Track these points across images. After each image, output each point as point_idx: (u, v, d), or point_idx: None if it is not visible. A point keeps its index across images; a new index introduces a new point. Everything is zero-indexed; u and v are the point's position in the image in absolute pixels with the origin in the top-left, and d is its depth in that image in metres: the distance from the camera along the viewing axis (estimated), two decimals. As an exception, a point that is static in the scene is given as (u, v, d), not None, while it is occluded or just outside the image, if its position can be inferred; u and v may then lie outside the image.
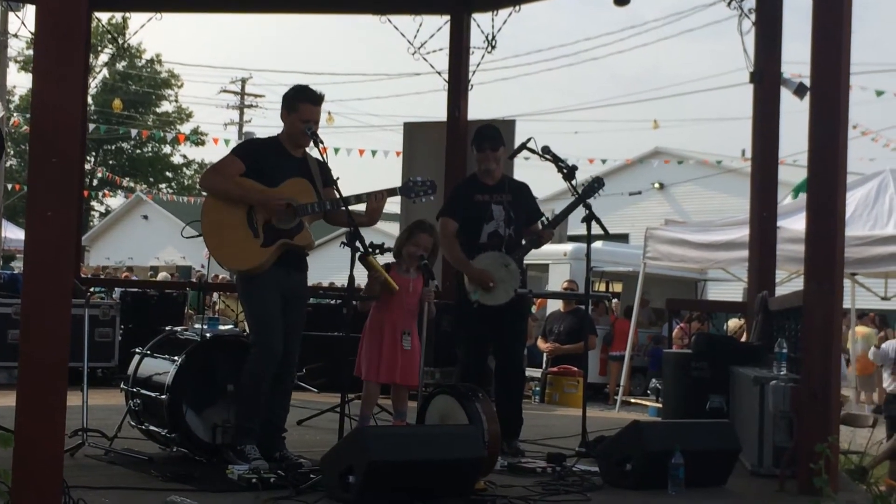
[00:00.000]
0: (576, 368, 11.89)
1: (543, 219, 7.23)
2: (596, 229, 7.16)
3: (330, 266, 26.44)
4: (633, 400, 14.62)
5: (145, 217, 49.28)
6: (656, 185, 34.92)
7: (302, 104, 6.25)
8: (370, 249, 6.15)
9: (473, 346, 7.19)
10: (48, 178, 4.18)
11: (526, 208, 7.26)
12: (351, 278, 6.04)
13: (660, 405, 12.03)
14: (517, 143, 7.52)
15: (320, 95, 6.31)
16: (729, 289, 22.20)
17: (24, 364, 4.19)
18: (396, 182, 6.98)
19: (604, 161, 30.31)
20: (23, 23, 11.64)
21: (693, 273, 19.20)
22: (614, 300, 18.58)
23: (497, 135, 7.26)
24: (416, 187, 6.45)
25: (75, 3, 4.39)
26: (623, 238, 28.40)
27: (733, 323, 13.60)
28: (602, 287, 18.83)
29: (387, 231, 23.81)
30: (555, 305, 14.49)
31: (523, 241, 7.11)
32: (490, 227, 7.09)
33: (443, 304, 8.76)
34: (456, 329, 7.41)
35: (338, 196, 6.17)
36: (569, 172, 7.06)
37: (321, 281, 24.32)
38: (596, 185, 7.25)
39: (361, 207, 6.29)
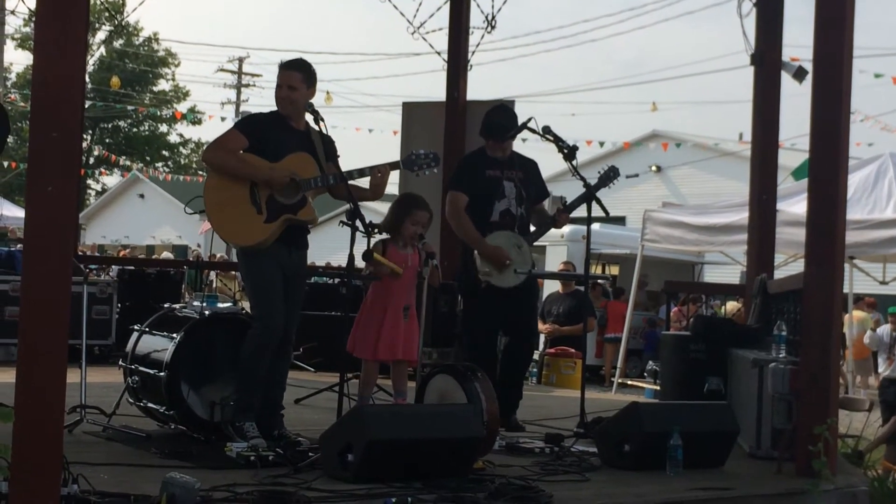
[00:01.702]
0: (573, 350, 11.90)
1: (560, 202, 7.11)
2: (595, 211, 7.13)
3: (329, 245, 26.43)
4: (629, 382, 14.65)
5: (141, 196, 49.28)
6: (653, 168, 34.93)
7: (279, 72, 6.31)
8: (370, 229, 6.14)
9: (483, 327, 7.03)
10: (49, 153, 4.15)
11: (536, 186, 7.18)
12: (351, 257, 6.03)
13: (656, 387, 12.06)
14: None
15: (291, 61, 6.33)
16: (726, 272, 22.25)
17: (24, 340, 4.18)
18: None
19: (601, 144, 30.33)
20: (21, -1, 11.58)
21: (690, 256, 19.24)
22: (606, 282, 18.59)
23: (512, 123, 7.11)
24: (419, 160, 6.42)
25: (76, -24, 4.36)
26: (620, 221, 28.42)
27: (731, 305, 13.61)
28: (598, 269, 18.84)
29: (384, 211, 23.75)
30: (551, 287, 14.48)
31: (532, 228, 7.05)
32: (502, 205, 6.96)
33: (441, 283, 8.75)
34: (465, 309, 7.30)
35: (338, 171, 6.16)
36: (569, 153, 7.00)
37: (317, 260, 24.30)
38: (612, 174, 7.19)
39: (365, 182, 6.28)
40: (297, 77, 6.25)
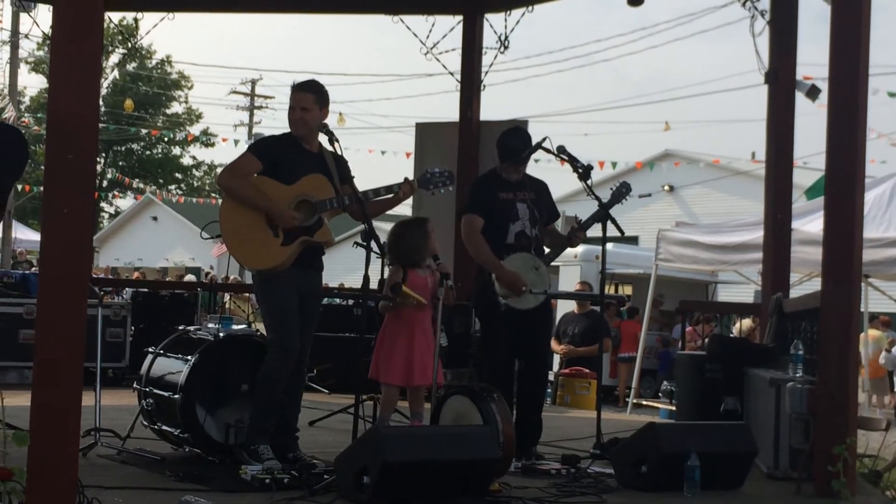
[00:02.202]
0: (587, 370, 11.85)
1: (575, 221, 7.06)
2: (610, 230, 7.11)
3: (340, 267, 26.44)
4: (644, 402, 14.58)
5: (155, 218, 49.38)
6: (666, 188, 34.87)
7: (291, 93, 6.33)
8: (385, 250, 6.12)
9: (501, 349, 6.91)
10: (64, 175, 4.16)
11: (547, 206, 7.15)
12: (366, 278, 6.01)
13: (671, 407, 11.99)
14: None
15: (303, 83, 6.35)
16: (740, 291, 22.17)
17: (40, 362, 4.17)
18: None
19: (614, 164, 30.24)
20: (35, 22, 11.64)
21: (704, 275, 19.17)
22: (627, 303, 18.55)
23: (526, 145, 7.04)
24: (434, 178, 6.41)
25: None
26: (633, 240, 28.35)
27: (746, 324, 13.55)
28: (612, 289, 18.78)
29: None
30: (565, 306, 14.46)
31: (546, 249, 7.02)
32: (517, 227, 6.90)
33: (456, 305, 8.72)
34: (483, 332, 7.23)
35: (355, 192, 6.16)
36: (584, 172, 6.97)
37: (330, 282, 24.29)
38: (624, 190, 7.15)
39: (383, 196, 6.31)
40: (309, 98, 6.25)
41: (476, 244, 6.90)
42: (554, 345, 13.29)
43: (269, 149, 6.33)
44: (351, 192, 6.21)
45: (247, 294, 15.49)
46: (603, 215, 7.01)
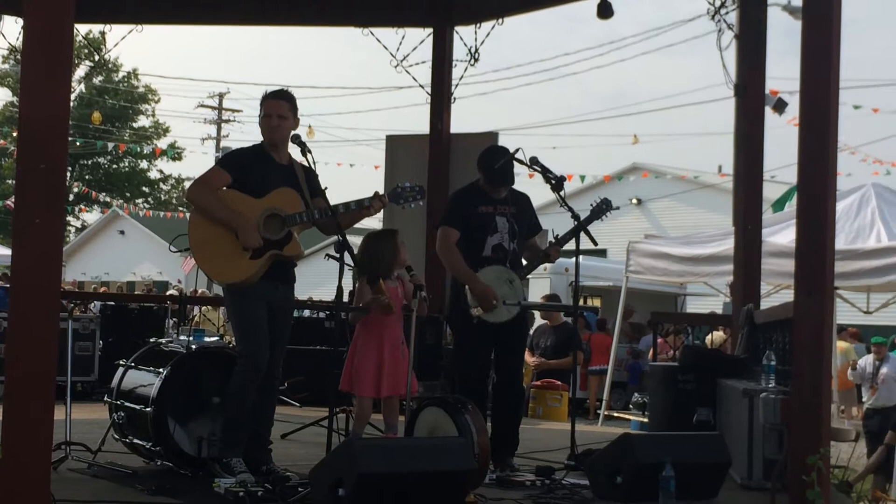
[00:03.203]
0: (559, 382, 11.85)
1: (552, 237, 7.05)
2: (582, 241, 7.10)
3: (313, 280, 26.35)
4: (615, 414, 14.60)
5: (122, 232, 49.06)
6: (634, 201, 35.00)
7: (263, 102, 6.30)
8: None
9: (475, 361, 6.90)
10: (36, 185, 4.12)
11: (528, 220, 7.14)
12: (339, 290, 5.98)
13: (643, 419, 12.01)
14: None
15: (277, 91, 6.34)
16: (708, 302, 22.26)
17: (11, 375, 4.12)
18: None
19: (582, 178, 30.39)
20: (1, 33, 11.52)
21: (672, 287, 19.24)
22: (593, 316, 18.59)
23: (510, 170, 6.98)
24: (405, 193, 6.39)
25: (64, 9, 4.35)
26: (601, 253, 28.42)
27: (718, 335, 13.59)
28: (581, 302, 18.78)
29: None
30: (538, 320, 14.46)
31: (524, 262, 7.01)
32: (494, 240, 6.87)
33: (427, 316, 8.70)
34: (456, 343, 7.21)
35: (326, 205, 6.13)
36: (557, 183, 6.96)
37: (300, 294, 24.18)
38: (604, 206, 7.12)
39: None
40: (285, 106, 6.24)
41: (450, 256, 6.88)
42: (527, 356, 13.28)
43: (237, 162, 6.30)
44: (322, 205, 6.19)
45: (216, 307, 15.39)
46: (580, 231, 7.01)
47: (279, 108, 6.23)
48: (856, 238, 11.93)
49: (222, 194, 6.13)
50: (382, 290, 6.21)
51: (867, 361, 16.07)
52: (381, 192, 6.37)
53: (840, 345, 17.72)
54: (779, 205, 18.60)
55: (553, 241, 6.98)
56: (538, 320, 13.66)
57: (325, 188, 6.27)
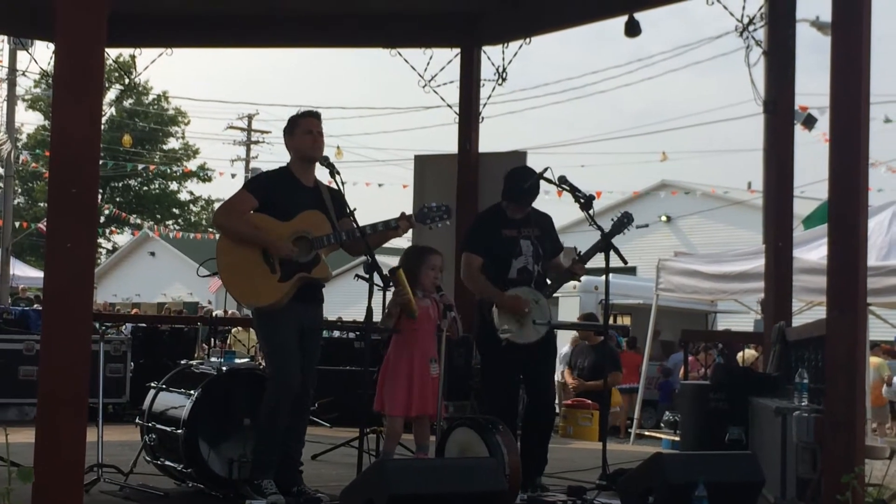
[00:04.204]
0: (590, 402, 11.81)
1: (576, 253, 7.04)
2: (612, 259, 7.09)
3: (338, 301, 26.41)
4: (646, 433, 14.52)
5: (152, 254, 49.35)
6: (663, 218, 34.90)
7: (301, 119, 6.33)
8: (387, 283, 6.10)
9: (504, 385, 6.88)
10: (68, 209, 4.15)
11: (551, 242, 7.12)
12: (369, 310, 5.98)
13: (674, 438, 11.94)
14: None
15: (311, 110, 6.39)
16: (739, 320, 22.12)
17: (44, 398, 4.14)
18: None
19: (611, 193, 30.34)
20: (33, 58, 11.66)
21: (703, 304, 19.14)
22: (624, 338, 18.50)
23: (534, 184, 7.02)
24: (432, 213, 6.38)
25: (95, 34, 4.39)
26: (631, 271, 28.35)
27: (749, 353, 13.52)
28: (610, 320, 18.70)
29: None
30: (568, 337, 14.44)
31: (548, 281, 7.00)
32: (519, 263, 6.86)
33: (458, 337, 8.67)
34: (483, 366, 7.19)
35: (354, 227, 6.14)
36: (586, 202, 6.95)
37: (329, 315, 24.23)
38: (626, 220, 7.12)
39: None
40: (320, 124, 6.30)
41: (475, 281, 6.91)
42: (567, 376, 13.25)
43: (264, 185, 6.32)
44: (349, 226, 6.19)
45: (248, 328, 15.43)
46: (604, 245, 6.98)
47: (317, 125, 6.29)
48: (888, 254, 11.83)
49: (249, 218, 6.15)
50: (403, 283, 6.17)
51: (901, 378, 15.91)
52: (409, 212, 6.37)
53: (873, 360, 17.58)
54: (810, 221, 18.47)
55: (577, 257, 6.97)
56: (572, 338, 13.65)
57: (354, 209, 6.27)
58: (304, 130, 6.28)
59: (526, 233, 6.93)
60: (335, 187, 6.27)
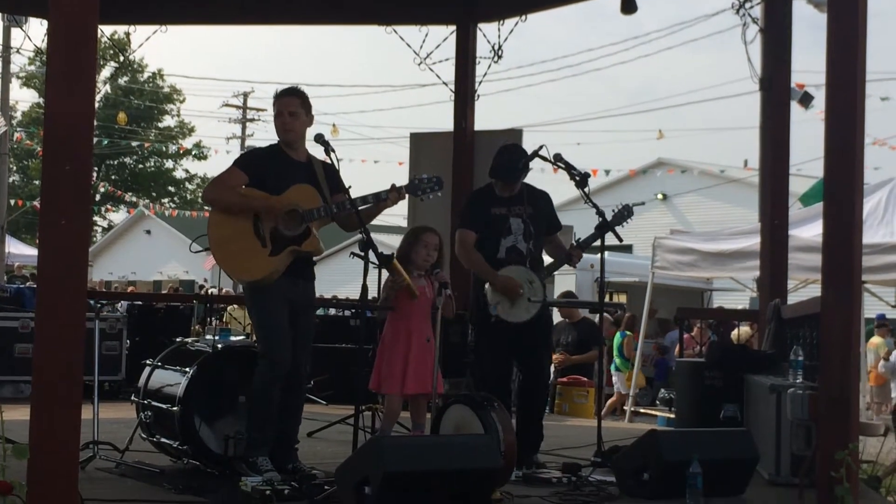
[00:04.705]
0: (585, 379, 11.83)
1: (574, 240, 7.04)
2: (608, 238, 7.09)
3: (334, 279, 26.39)
4: (641, 410, 14.55)
5: (148, 232, 49.30)
6: (659, 196, 34.90)
7: (276, 101, 6.32)
8: (382, 260, 6.09)
9: (494, 362, 6.92)
10: (61, 186, 4.14)
11: (546, 219, 7.12)
12: (364, 288, 5.98)
13: (669, 415, 11.97)
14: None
15: (287, 89, 6.34)
16: (735, 298, 22.17)
17: (38, 375, 4.14)
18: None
19: (607, 172, 30.34)
20: (27, 36, 11.64)
21: (699, 282, 19.16)
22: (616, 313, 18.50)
23: (521, 162, 6.99)
24: (423, 184, 6.36)
25: (88, 10, 4.36)
26: (627, 249, 28.37)
27: (744, 330, 13.54)
28: (606, 298, 18.71)
29: (393, 244, 23.76)
30: (557, 317, 14.42)
31: (545, 256, 7.00)
32: (508, 242, 6.87)
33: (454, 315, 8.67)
34: (477, 344, 7.20)
35: (346, 199, 6.12)
36: (581, 180, 6.95)
37: (325, 293, 24.23)
38: (626, 213, 7.10)
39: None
40: (295, 102, 6.25)
41: (469, 257, 6.92)
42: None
43: (254, 161, 6.31)
44: (342, 200, 6.18)
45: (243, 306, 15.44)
46: (602, 234, 7.00)
47: (290, 104, 6.24)
48: (885, 232, 11.84)
49: (240, 192, 6.14)
50: (396, 267, 6.17)
51: (896, 356, 15.94)
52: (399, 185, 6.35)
53: (873, 340, 17.65)
54: (808, 198, 18.48)
55: (575, 243, 6.97)
56: (556, 317, 13.63)
57: (349, 187, 6.26)
58: (276, 113, 6.28)
59: (517, 211, 6.92)
60: (329, 163, 6.26)
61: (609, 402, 14.90)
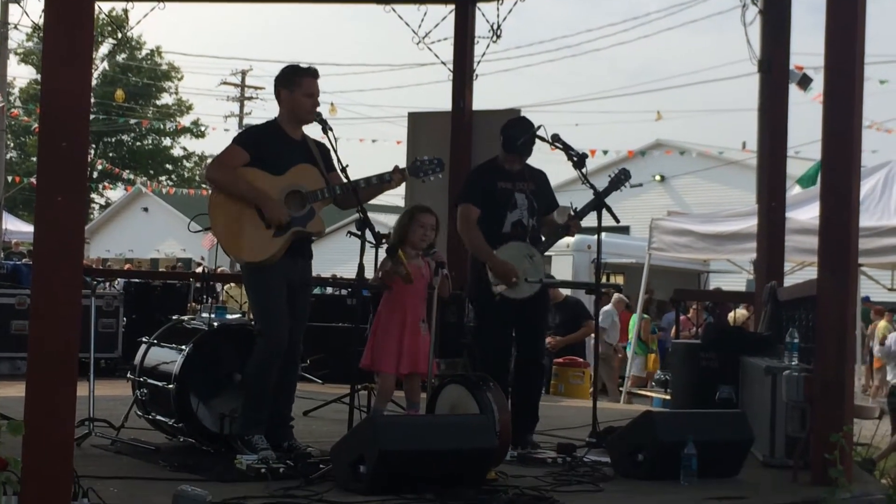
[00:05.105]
0: (581, 360, 11.84)
1: (570, 210, 7.04)
2: (605, 219, 7.08)
3: (332, 258, 26.40)
4: (637, 391, 14.58)
5: (145, 209, 49.26)
6: (657, 178, 34.88)
7: (303, 79, 6.22)
8: (379, 239, 6.10)
9: (497, 339, 6.88)
10: (58, 162, 4.13)
11: (546, 197, 7.12)
12: (360, 267, 5.98)
13: (665, 396, 11.99)
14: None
15: (316, 69, 6.30)
16: (732, 280, 22.17)
17: (34, 352, 4.14)
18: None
19: (605, 152, 30.27)
20: (25, 12, 11.64)
21: (696, 264, 19.18)
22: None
23: (530, 137, 6.99)
24: (424, 166, 6.36)
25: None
26: (624, 230, 28.35)
27: (740, 312, 13.56)
28: (603, 279, 18.72)
29: (392, 224, 23.73)
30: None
31: (543, 238, 7.00)
32: (514, 217, 6.85)
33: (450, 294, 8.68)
34: (477, 322, 7.21)
35: (346, 181, 6.12)
36: (579, 161, 6.94)
37: (322, 272, 24.21)
38: (623, 177, 7.11)
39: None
40: (318, 86, 6.25)
41: (470, 234, 6.88)
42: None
43: (254, 139, 6.28)
44: (341, 181, 6.18)
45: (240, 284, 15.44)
46: (599, 202, 6.98)
47: (318, 88, 6.24)
48: (881, 215, 11.85)
49: (241, 172, 6.12)
50: (400, 258, 6.19)
51: (893, 338, 16.01)
52: (402, 166, 6.36)
53: (879, 325, 17.69)
54: (805, 180, 18.47)
55: (572, 213, 6.96)
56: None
57: (347, 165, 6.25)
58: (305, 93, 6.19)
59: (521, 186, 6.93)
60: (321, 142, 6.26)
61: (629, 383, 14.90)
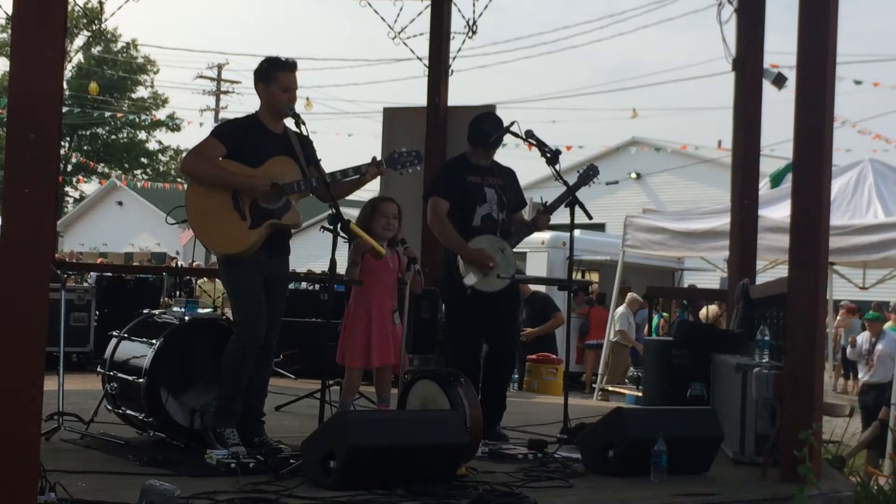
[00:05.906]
0: (555, 356, 11.86)
1: (540, 205, 7.05)
2: (578, 216, 7.10)
3: (306, 254, 26.33)
4: (610, 388, 14.62)
5: (120, 203, 49.07)
6: (633, 175, 34.98)
7: (280, 73, 6.18)
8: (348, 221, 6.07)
9: (467, 333, 6.92)
10: (26, 155, 4.09)
11: (515, 193, 7.13)
12: (333, 262, 5.96)
13: (638, 393, 12.03)
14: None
15: (294, 62, 6.26)
16: (706, 277, 22.27)
17: (1, 345, 4.10)
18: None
19: (581, 148, 30.36)
20: (-2, 3, 11.50)
21: (670, 262, 19.25)
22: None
23: (499, 130, 7.04)
24: (402, 158, 6.35)
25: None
26: (599, 227, 28.43)
27: (713, 310, 13.61)
28: (578, 276, 18.78)
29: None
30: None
31: (513, 229, 7.01)
32: (483, 210, 6.88)
33: (423, 290, 8.68)
34: (448, 316, 7.19)
35: (322, 173, 6.10)
36: (552, 157, 6.96)
37: (297, 267, 24.14)
38: (591, 172, 7.15)
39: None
40: (296, 79, 6.22)
41: (441, 226, 6.90)
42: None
43: (232, 132, 6.24)
44: (318, 173, 6.17)
45: (213, 279, 15.40)
46: (570, 199, 6.99)
47: (296, 81, 6.20)
48: (853, 214, 11.92)
49: (218, 164, 6.09)
50: (357, 232, 6.11)
51: (864, 337, 16.07)
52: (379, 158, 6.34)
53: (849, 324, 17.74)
54: (777, 179, 18.57)
55: (543, 207, 6.98)
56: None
57: (320, 159, 6.23)
58: (282, 87, 6.15)
59: (490, 181, 6.96)
60: (305, 134, 6.24)
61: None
